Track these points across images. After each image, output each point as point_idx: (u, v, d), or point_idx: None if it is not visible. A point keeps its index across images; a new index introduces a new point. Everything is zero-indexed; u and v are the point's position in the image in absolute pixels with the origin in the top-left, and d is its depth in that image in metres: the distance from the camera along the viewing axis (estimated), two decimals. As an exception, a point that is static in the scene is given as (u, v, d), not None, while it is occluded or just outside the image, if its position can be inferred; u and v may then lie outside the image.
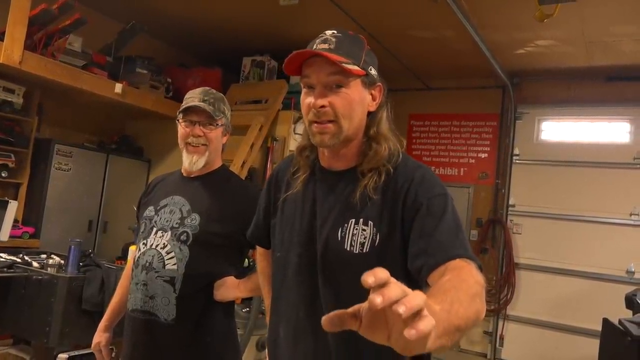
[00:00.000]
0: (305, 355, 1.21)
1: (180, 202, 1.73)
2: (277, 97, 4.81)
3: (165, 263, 1.64)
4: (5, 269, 2.74)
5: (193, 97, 1.74)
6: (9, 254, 3.06)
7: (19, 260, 2.92)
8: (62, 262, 2.88)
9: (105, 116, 5.15)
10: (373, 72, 1.23)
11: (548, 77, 5.42)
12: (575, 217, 5.23)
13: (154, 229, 1.69)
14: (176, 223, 1.68)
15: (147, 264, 1.65)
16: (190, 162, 1.73)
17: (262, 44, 5.19)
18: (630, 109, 5.14)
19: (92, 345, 1.83)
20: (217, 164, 1.83)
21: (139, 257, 1.69)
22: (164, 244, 1.66)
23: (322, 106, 1.17)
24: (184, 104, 1.73)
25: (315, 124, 1.19)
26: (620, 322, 2.89)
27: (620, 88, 5.13)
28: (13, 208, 3.64)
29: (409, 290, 0.64)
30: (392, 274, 0.64)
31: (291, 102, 4.82)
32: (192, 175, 1.79)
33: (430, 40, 4.80)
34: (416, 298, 0.63)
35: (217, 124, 1.74)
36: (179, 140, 1.76)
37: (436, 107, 6.07)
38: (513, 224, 5.56)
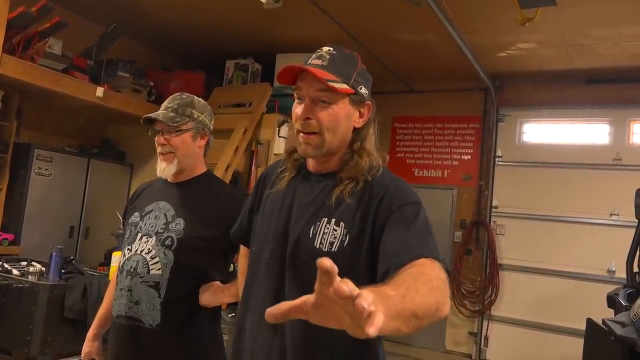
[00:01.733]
0: (263, 345, 1.25)
1: (165, 207, 1.71)
2: (261, 100, 4.79)
3: (150, 268, 1.62)
4: (-17, 277, 2.68)
5: (161, 107, 1.75)
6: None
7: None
8: (43, 269, 2.83)
9: (86, 120, 5.08)
10: (363, 90, 1.29)
11: (529, 80, 5.49)
12: (556, 217, 5.30)
13: (139, 235, 1.68)
14: (161, 228, 1.66)
15: (132, 269, 1.63)
16: (161, 170, 1.74)
17: (245, 46, 5.17)
18: (609, 111, 5.23)
19: (83, 356, 1.79)
20: (200, 169, 1.81)
21: (123, 263, 1.67)
22: (148, 249, 1.64)
23: (308, 118, 1.24)
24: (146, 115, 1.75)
25: (302, 134, 1.26)
26: (603, 321, 2.93)
27: (599, 90, 5.22)
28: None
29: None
30: (356, 275, 0.70)
31: (275, 105, 4.81)
32: (176, 181, 1.77)
33: (414, 43, 4.83)
34: (369, 295, 0.66)
35: (178, 130, 1.71)
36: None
37: (420, 109, 6.11)
38: (496, 225, 5.61)
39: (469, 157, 5.84)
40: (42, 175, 4.53)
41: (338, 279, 0.66)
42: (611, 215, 5.09)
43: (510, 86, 5.62)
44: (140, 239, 1.66)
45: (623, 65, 4.89)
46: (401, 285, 0.89)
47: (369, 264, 1.19)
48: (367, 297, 0.65)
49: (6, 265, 2.92)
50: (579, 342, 3.34)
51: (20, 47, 3.73)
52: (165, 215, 1.69)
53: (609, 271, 5.04)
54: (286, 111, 4.75)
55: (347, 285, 0.64)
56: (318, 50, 1.29)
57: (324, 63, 1.24)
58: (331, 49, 1.28)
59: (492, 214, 5.64)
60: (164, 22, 4.86)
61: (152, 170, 1.84)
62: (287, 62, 5.00)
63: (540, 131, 5.60)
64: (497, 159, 5.68)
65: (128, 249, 1.68)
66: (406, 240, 1.13)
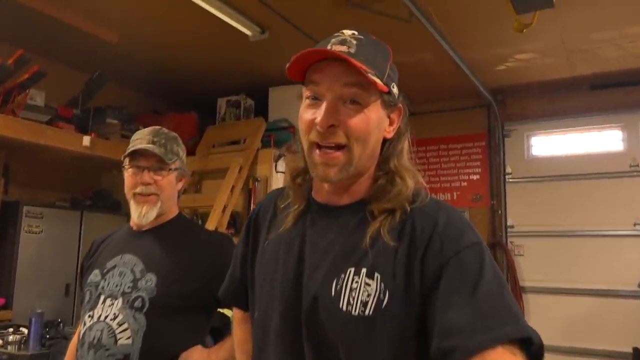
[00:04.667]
0: None
1: (132, 261, 1.47)
2: (256, 135, 4.60)
3: (117, 338, 1.37)
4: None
5: (141, 139, 1.51)
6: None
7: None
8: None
9: (77, 171, 4.90)
10: (395, 90, 1.00)
11: (532, 91, 5.28)
12: (577, 232, 5.01)
13: (102, 297, 1.43)
14: (128, 287, 1.42)
15: (95, 340, 1.38)
16: (140, 215, 1.49)
17: (236, 83, 5.02)
18: (620, 116, 4.99)
19: None
20: (173, 213, 1.59)
21: (84, 334, 1.42)
22: (114, 314, 1.40)
23: (332, 125, 0.92)
24: (130, 147, 1.50)
25: (319, 151, 0.94)
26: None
27: (606, 96, 4.99)
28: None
29: None
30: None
31: (270, 139, 4.62)
32: (143, 229, 1.53)
33: (409, 64, 4.66)
34: None
35: (169, 169, 1.50)
36: (126, 190, 1.52)
37: (421, 132, 5.87)
38: (514, 245, 5.32)
39: (478, 176, 5.60)
40: (33, 232, 4.32)
41: None
42: (635, 225, 4.79)
43: (513, 100, 5.41)
44: (104, 302, 1.42)
45: (628, 68, 4.68)
46: None
47: (421, 333, 0.87)
48: None
49: (-10, 334, 2.69)
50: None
51: (0, 102, 3.57)
52: (132, 270, 1.45)
53: (639, 285, 4.71)
54: (282, 145, 4.56)
55: None
56: (337, 34, 0.97)
57: (352, 50, 0.92)
58: (356, 32, 0.97)
59: (508, 235, 5.35)
60: (151, 66, 4.74)
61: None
62: (280, 95, 4.88)
63: (549, 143, 5.36)
64: (507, 176, 5.43)
65: (89, 316, 1.43)
66: (475, 310, 0.81)
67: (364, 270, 0.90)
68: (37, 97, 3.83)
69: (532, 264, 5.21)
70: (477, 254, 0.89)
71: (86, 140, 4.06)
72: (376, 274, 0.90)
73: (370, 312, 0.87)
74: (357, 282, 0.90)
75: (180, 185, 1.59)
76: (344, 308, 0.89)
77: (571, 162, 5.14)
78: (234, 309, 1.22)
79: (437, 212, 0.95)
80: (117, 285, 1.43)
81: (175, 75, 4.96)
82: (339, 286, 0.91)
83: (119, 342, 1.35)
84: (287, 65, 0.95)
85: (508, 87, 5.27)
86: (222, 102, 5.05)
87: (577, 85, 5.04)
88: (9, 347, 2.45)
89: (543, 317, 5.08)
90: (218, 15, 3.47)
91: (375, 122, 0.96)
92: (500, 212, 5.39)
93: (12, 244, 4.20)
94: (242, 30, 3.62)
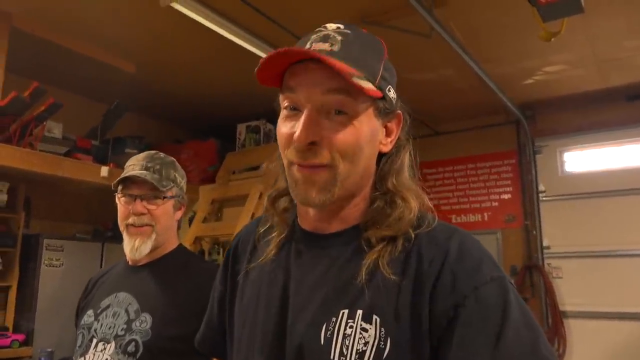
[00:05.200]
0: None
1: (126, 300, 1.35)
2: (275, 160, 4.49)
3: None
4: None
5: (134, 165, 1.39)
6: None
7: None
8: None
9: (97, 203, 4.87)
10: (392, 94, 0.84)
11: (563, 105, 5.06)
12: (619, 252, 4.70)
13: (94, 341, 1.30)
14: (121, 329, 1.29)
15: None
16: (132, 248, 1.36)
17: (256, 108, 4.95)
18: (659, 127, 4.73)
19: None
20: (172, 244, 1.46)
21: None
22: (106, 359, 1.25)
23: (312, 142, 0.76)
24: (122, 174, 1.38)
25: (299, 167, 0.78)
26: None
27: (643, 107, 4.75)
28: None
29: None
30: None
31: (291, 164, 4.50)
32: (139, 264, 1.41)
33: (431, 81, 4.51)
34: None
35: (164, 197, 1.38)
36: (119, 221, 1.40)
37: (448, 151, 5.71)
38: (551, 267, 5.03)
39: (509, 195, 5.35)
40: (53, 266, 4.27)
41: None
42: (683, 242, 4.47)
43: (544, 114, 5.19)
44: (96, 346, 1.29)
45: (666, 76, 4.44)
46: None
47: None
48: None
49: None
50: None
51: (17, 135, 3.56)
52: (126, 311, 1.32)
53: (692, 308, 4.38)
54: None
55: None
56: (320, 29, 0.80)
57: (334, 48, 0.76)
58: (341, 26, 0.80)
59: (544, 256, 5.07)
60: (169, 93, 4.72)
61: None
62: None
63: (584, 158, 5.11)
64: (540, 195, 5.18)
65: None
66: (502, 357, 0.66)
67: (359, 312, 0.74)
68: (54, 129, 3.81)
69: (572, 287, 4.91)
70: (500, 290, 0.73)
71: (104, 170, 4.02)
72: (375, 317, 0.73)
73: None
74: (351, 326, 0.74)
75: (179, 215, 1.47)
76: (336, 359, 0.73)
77: (609, 178, 4.87)
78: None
79: (448, 238, 0.78)
80: (110, 328, 1.31)
81: (194, 103, 4.93)
82: (329, 332, 0.75)
83: None
84: (256, 69, 0.78)
85: (537, 102, 5.06)
86: (241, 128, 4.98)
87: (612, 96, 4.80)
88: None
89: (586, 343, 4.76)
90: (233, 40, 3.41)
91: (367, 134, 0.79)
92: (534, 232, 5.13)
93: (32, 279, 4.16)
94: (258, 53, 3.54)
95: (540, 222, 5.13)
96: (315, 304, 0.78)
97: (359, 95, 0.76)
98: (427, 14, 3.07)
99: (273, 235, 0.89)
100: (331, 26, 0.81)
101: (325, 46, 0.77)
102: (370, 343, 0.72)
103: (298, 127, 0.76)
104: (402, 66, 4.49)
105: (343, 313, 0.75)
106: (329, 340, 0.74)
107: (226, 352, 0.95)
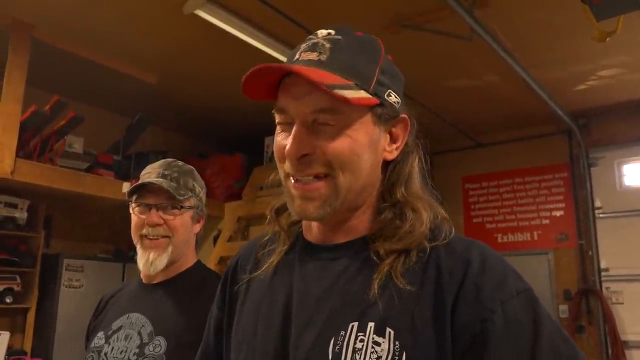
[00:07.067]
0: None
1: (139, 321, 1.33)
2: (305, 175, 4.49)
3: None
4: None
5: (149, 173, 1.38)
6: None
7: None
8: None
9: (119, 221, 4.93)
10: (393, 98, 0.83)
11: (620, 113, 4.90)
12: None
13: None
14: (133, 354, 1.28)
15: None
16: (147, 262, 1.34)
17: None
18: None
19: None
20: (190, 261, 1.44)
21: None
22: None
23: (304, 155, 0.78)
24: (137, 182, 1.37)
25: (295, 183, 0.80)
26: None
27: None
28: (3, 341, 3.32)
29: None
30: None
31: (322, 179, 4.48)
32: (154, 281, 1.39)
33: (474, 89, 4.44)
34: None
35: (182, 207, 1.36)
36: (132, 233, 1.38)
37: (493, 165, 5.60)
38: (610, 292, 4.83)
39: (561, 212, 5.19)
40: (73, 287, 4.35)
41: None
42: None
43: (599, 123, 5.04)
44: None
45: None
46: None
47: None
48: None
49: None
50: None
51: (37, 151, 3.65)
52: (139, 333, 1.30)
53: None
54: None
55: None
56: (311, 36, 0.83)
57: (323, 57, 0.78)
58: (332, 31, 0.82)
59: (602, 279, 4.88)
60: (192, 104, 4.78)
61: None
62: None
63: (646, 171, 4.92)
64: (596, 211, 5.00)
65: None
66: None
67: (371, 324, 0.74)
68: (75, 143, 3.90)
69: (635, 314, 4.70)
70: (528, 303, 0.73)
71: (126, 187, 4.07)
72: (388, 330, 0.73)
73: None
74: (362, 340, 0.73)
75: (197, 228, 1.44)
76: None
77: (674, 192, 4.68)
78: None
79: (467, 251, 0.78)
80: (122, 352, 1.29)
81: (218, 115, 4.98)
82: (337, 347, 0.74)
83: None
84: (242, 85, 0.82)
85: (591, 109, 4.92)
86: (269, 141, 4.99)
87: (675, 102, 4.63)
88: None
89: (653, 379, 4.53)
90: (259, 47, 3.43)
91: (364, 143, 0.79)
92: (591, 253, 4.94)
93: (51, 300, 4.23)
94: (284, 60, 3.56)
95: (596, 241, 4.95)
96: (321, 317, 0.77)
97: (350, 105, 0.76)
98: (467, 15, 3.02)
99: (276, 248, 0.90)
100: (322, 32, 0.83)
101: (313, 55, 0.79)
102: (383, 357, 0.71)
103: (289, 141, 0.78)
104: (440, 72, 4.43)
105: (352, 326, 0.74)
106: (337, 355, 0.73)
107: None
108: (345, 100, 0.74)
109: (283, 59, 3.53)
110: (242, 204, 4.66)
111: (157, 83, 4.12)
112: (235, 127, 5.23)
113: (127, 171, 4.45)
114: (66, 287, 4.29)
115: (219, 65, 4.01)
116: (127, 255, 4.89)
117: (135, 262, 4.20)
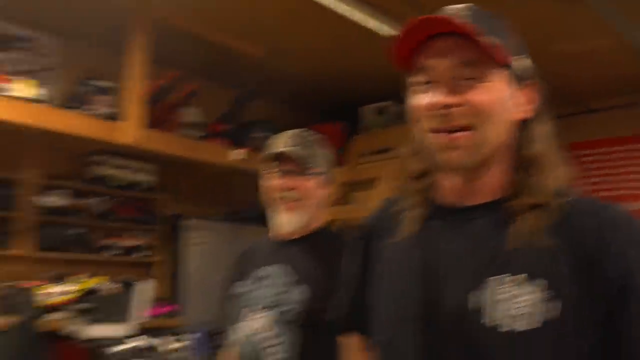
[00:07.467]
0: None
1: (282, 271, 1.49)
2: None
3: (267, 353, 1.39)
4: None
5: (283, 142, 1.56)
6: (152, 335, 3.23)
7: (143, 345, 2.99)
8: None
9: (232, 185, 5.32)
10: (526, 62, 0.92)
11: None
12: None
13: (249, 309, 1.47)
14: (277, 299, 1.43)
15: (244, 357, 1.41)
16: (283, 223, 1.52)
17: (380, 90, 5.08)
18: None
19: None
20: (322, 221, 1.62)
21: (234, 348, 1.46)
22: (264, 327, 1.42)
23: (455, 105, 0.83)
24: (270, 150, 1.56)
25: (438, 134, 0.86)
26: None
27: None
28: (147, 288, 3.79)
29: None
30: None
31: (421, 146, 4.59)
32: (289, 238, 1.56)
33: (581, 53, 4.29)
34: None
35: (312, 173, 1.55)
36: (266, 196, 1.57)
37: (604, 130, 5.37)
38: None
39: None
40: (194, 244, 4.83)
41: None
42: None
43: None
44: (251, 313, 1.44)
45: None
46: None
47: (601, 354, 0.77)
48: None
49: (155, 341, 3.02)
50: None
51: (161, 120, 4.08)
52: (282, 281, 1.46)
53: None
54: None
55: None
56: (442, 9, 0.90)
57: (465, 20, 0.85)
58: (461, 6, 0.89)
59: None
60: (296, 77, 5.00)
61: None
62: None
63: None
64: None
65: (237, 329, 1.47)
66: None
67: (514, 277, 0.80)
68: (191, 114, 4.31)
69: None
70: None
71: (239, 153, 4.45)
72: (538, 280, 0.79)
73: (530, 327, 0.77)
74: (510, 291, 0.79)
75: (327, 191, 1.60)
76: (496, 323, 0.79)
77: None
78: (349, 336, 1.14)
79: (597, 208, 0.84)
80: (265, 298, 1.44)
81: (319, 86, 5.18)
82: (485, 297, 0.81)
83: (269, 358, 1.36)
84: (394, 49, 0.88)
85: None
86: (368, 110, 5.16)
87: None
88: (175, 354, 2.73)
89: None
90: (363, 22, 3.58)
91: (503, 97, 0.86)
92: None
93: (177, 256, 4.77)
94: (389, 31, 3.68)
95: None
96: (462, 273, 0.84)
97: (491, 61, 0.84)
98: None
99: (410, 213, 0.96)
100: (452, 8, 0.91)
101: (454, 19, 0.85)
102: (537, 304, 0.77)
103: (433, 94, 0.85)
104: (547, 37, 4.33)
105: (495, 279, 0.81)
106: (481, 306, 0.80)
107: (366, 327, 1.03)
108: (492, 48, 0.81)
109: (382, 27, 3.66)
110: (344, 170, 4.89)
111: (263, 56, 4.37)
112: (335, 97, 5.41)
113: (238, 139, 4.80)
114: (188, 244, 4.79)
115: (319, 38, 4.19)
116: (242, 216, 5.28)
117: (249, 223, 4.54)
